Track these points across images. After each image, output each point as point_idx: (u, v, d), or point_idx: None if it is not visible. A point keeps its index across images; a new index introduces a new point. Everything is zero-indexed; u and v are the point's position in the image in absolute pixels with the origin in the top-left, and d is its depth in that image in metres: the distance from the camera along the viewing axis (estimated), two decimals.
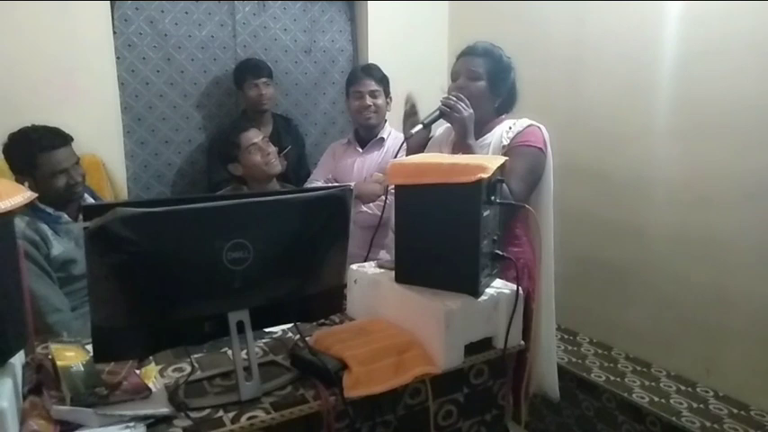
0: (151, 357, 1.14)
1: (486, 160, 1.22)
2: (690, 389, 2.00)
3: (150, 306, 0.99)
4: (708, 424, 1.78)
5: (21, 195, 0.98)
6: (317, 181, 2.33)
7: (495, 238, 1.28)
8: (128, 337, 0.98)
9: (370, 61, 2.75)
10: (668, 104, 2.11)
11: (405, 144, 1.68)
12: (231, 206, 1.03)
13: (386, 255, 1.78)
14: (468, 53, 1.69)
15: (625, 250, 2.30)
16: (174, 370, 1.16)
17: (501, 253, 1.28)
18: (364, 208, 2.15)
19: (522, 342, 1.33)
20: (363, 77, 2.22)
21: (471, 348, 1.23)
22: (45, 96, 2.22)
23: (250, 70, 2.53)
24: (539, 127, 1.63)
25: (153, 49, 2.53)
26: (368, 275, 1.38)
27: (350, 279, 1.41)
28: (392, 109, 2.30)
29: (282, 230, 1.09)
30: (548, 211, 1.65)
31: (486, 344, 1.27)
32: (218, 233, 0.99)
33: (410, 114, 1.79)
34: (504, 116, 1.70)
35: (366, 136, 2.30)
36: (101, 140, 2.35)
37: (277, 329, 1.35)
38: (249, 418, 1.00)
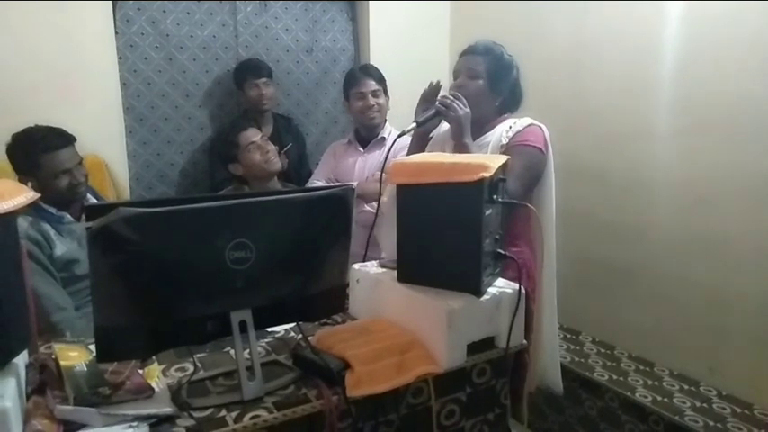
0: (154, 357, 1.14)
1: (487, 159, 1.22)
2: (693, 388, 1.99)
3: (153, 306, 0.99)
4: (711, 423, 1.77)
5: (24, 195, 0.98)
6: (318, 181, 2.34)
7: (498, 237, 1.27)
8: (130, 337, 0.98)
9: (371, 61, 2.76)
10: (669, 105, 2.11)
11: (397, 140, 1.66)
12: (233, 206, 1.03)
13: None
14: (469, 52, 1.69)
15: (627, 250, 2.30)
16: (177, 369, 1.16)
17: (503, 252, 1.28)
18: (367, 207, 2.15)
19: (525, 341, 1.33)
20: (363, 78, 2.22)
21: (473, 348, 1.23)
22: (47, 97, 2.22)
23: (250, 70, 2.54)
24: (539, 126, 1.63)
25: (155, 49, 2.53)
26: (370, 275, 1.38)
27: (352, 278, 1.41)
28: (391, 107, 2.30)
29: (285, 230, 1.09)
30: (549, 211, 1.64)
31: (488, 343, 1.27)
32: (220, 233, 1.00)
33: (428, 98, 1.69)
34: (507, 115, 1.70)
35: (367, 136, 2.30)
36: (103, 141, 2.36)
37: (279, 329, 1.35)
38: (252, 418, 1.00)
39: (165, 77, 2.57)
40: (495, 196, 1.23)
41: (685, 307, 2.10)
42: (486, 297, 1.24)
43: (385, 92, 2.27)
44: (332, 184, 1.96)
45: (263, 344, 1.28)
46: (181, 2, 2.56)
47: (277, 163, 2.10)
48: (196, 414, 0.99)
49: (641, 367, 2.15)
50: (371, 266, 1.43)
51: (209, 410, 1.01)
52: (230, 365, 1.14)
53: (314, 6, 2.88)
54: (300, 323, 1.21)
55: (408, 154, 1.77)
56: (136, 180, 2.56)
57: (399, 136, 1.65)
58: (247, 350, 1.07)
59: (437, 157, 1.35)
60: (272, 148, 2.08)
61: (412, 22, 3.02)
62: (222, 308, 1.05)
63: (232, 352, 1.18)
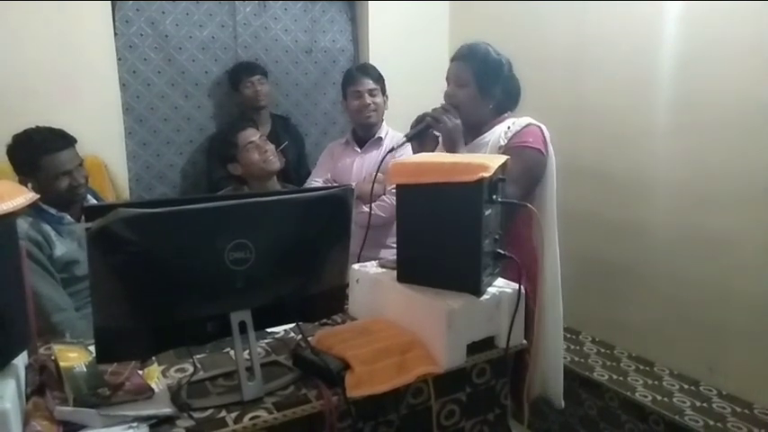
0: (154, 358, 1.14)
1: (487, 159, 1.22)
2: (693, 387, 1.99)
3: (152, 307, 0.99)
4: (711, 422, 1.77)
5: (23, 196, 0.99)
6: (316, 181, 2.33)
7: (497, 237, 1.27)
8: (130, 338, 0.98)
9: (371, 61, 2.75)
10: (669, 104, 2.11)
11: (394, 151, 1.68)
12: (233, 207, 1.03)
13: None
14: (456, 58, 1.67)
15: (627, 249, 2.30)
16: (177, 370, 1.16)
17: (503, 252, 1.28)
18: (365, 208, 2.15)
19: (524, 341, 1.33)
20: (361, 77, 2.22)
21: (473, 348, 1.23)
22: (47, 98, 2.23)
23: (244, 70, 2.60)
24: (538, 126, 1.60)
25: (154, 50, 2.53)
26: (370, 275, 1.38)
27: (352, 279, 1.41)
28: (389, 107, 2.30)
29: (284, 231, 1.09)
30: (551, 212, 1.63)
31: (488, 343, 1.27)
32: (219, 234, 1.00)
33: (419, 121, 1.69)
34: (507, 114, 1.68)
35: (364, 135, 2.30)
36: (102, 142, 2.36)
37: (279, 329, 1.35)
38: (252, 419, 1.00)
39: (164, 78, 2.57)
40: (494, 196, 1.23)
41: (685, 306, 2.10)
42: (485, 297, 1.24)
43: (383, 91, 2.27)
44: (331, 185, 1.96)
45: (263, 344, 1.28)
46: (180, 2, 2.56)
47: (276, 162, 2.09)
48: (196, 415, 0.99)
49: (641, 367, 2.15)
50: (371, 266, 1.43)
51: (209, 411, 1.01)
52: (230, 366, 1.14)
53: (313, 7, 2.88)
54: (300, 324, 1.21)
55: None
56: (135, 181, 2.56)
57: (389, 152, 1.66)
58: (247, 351, 1.07)
59: (437, 157, 1.36)
60: (270, 147, 2.08)
61: (411, 22, 3.02)
62: (222, 308, 1.05)
63: (232, 353, 1.18)
